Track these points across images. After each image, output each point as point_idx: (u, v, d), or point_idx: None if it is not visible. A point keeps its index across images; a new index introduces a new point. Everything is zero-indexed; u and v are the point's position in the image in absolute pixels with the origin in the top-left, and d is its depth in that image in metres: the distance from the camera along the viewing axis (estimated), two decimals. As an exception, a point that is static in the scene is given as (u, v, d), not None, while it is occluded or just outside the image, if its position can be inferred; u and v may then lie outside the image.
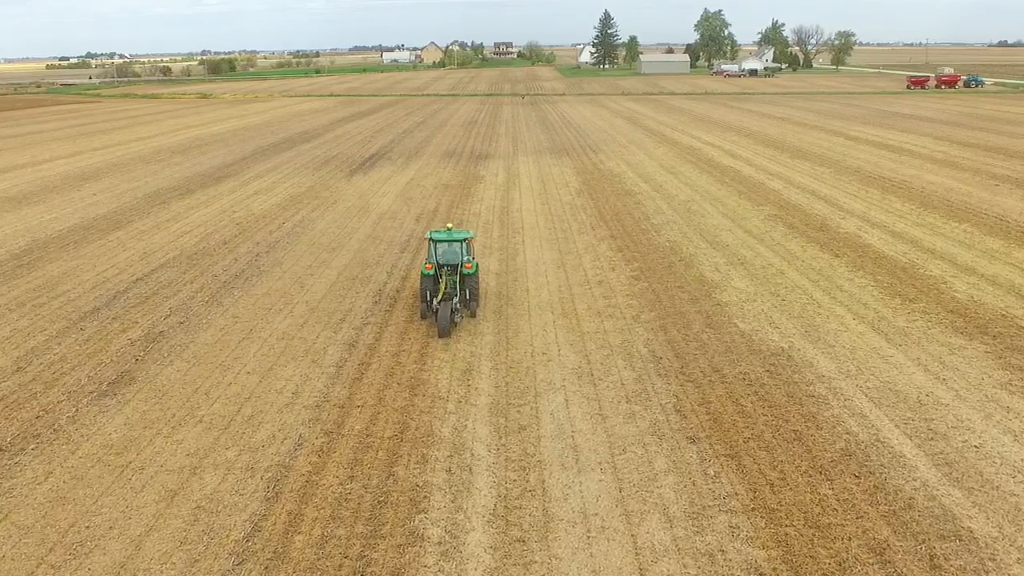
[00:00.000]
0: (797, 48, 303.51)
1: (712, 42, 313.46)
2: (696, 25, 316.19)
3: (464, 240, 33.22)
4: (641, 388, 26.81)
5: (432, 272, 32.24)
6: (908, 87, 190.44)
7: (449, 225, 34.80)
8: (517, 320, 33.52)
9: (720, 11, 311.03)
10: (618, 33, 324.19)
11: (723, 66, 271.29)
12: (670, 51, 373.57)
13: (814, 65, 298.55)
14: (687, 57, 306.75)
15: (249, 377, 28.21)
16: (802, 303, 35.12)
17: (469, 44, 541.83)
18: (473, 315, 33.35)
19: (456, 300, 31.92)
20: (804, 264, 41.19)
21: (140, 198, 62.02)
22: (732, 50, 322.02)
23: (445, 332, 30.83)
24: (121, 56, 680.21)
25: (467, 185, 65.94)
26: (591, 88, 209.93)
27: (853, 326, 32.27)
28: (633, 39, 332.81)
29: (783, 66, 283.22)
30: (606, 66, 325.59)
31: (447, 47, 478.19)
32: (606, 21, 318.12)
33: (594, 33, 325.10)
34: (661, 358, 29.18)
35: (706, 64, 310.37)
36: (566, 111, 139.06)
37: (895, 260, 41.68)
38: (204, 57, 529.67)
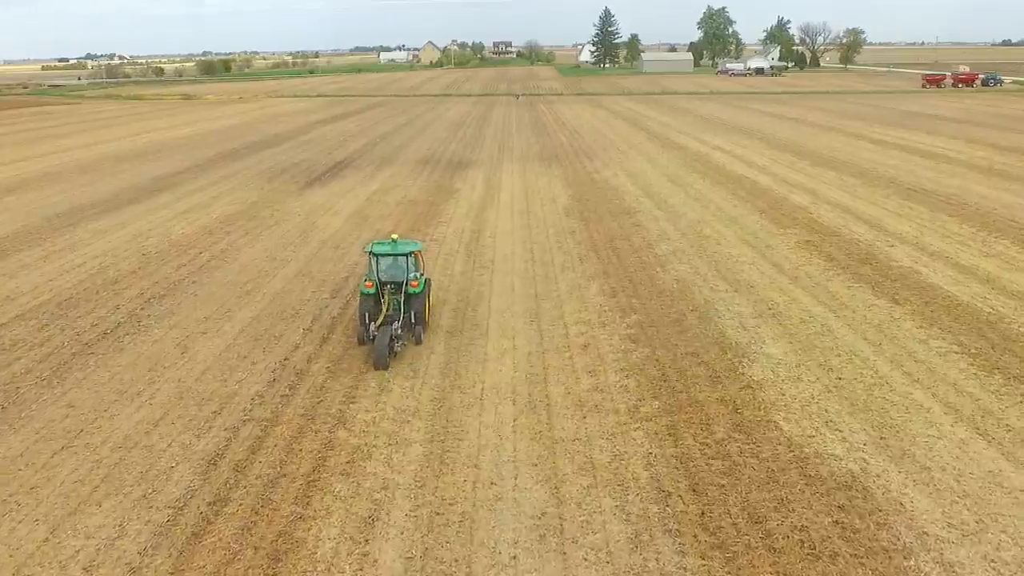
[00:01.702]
0: (804, 46, 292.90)
1: (716, 40, 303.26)
2: (699, 23, 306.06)
3: (410, 253, 29.22)
4: (641, 563, 16.59)
5: (373, 291, 28.50)
6: (924, 86, 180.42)
7: (394, 236, 30.06)
8: (463, 415, 23.39)
9: (724, 8, 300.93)
10: (619, 31, 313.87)
11: (728, 65, 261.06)
12: (673, 50, 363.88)
13: (821, 64, 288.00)
14: (690, 56, 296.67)
15: (33, 529, 18.04)
16: (866, 384, 24.94)
17: (469, 44, 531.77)
18: (418, 342, 28.68)
19: (397, 325, 27.59)
20: (856, 316, 31.00)
21: (48, 218, 52.00)
22: (737, 48, 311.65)
23: (381, 363, 26.43)
24: (121, 57, 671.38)
25: (437, 201, 55.79)
26: (590, 87, 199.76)
27: (948, 428, 22.09)
28: (634, 37, 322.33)
29: (789, 64, 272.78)
30: (607, 65, 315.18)
31: (445, 47, 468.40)
32: (606, 19, 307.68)
33: (594, 32, 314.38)
34: (670, 495, 19.05)
35: (710, 63, 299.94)
36: (562, 112, 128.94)
37: (974, 309, 31.52)
38: (200, 58, 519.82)
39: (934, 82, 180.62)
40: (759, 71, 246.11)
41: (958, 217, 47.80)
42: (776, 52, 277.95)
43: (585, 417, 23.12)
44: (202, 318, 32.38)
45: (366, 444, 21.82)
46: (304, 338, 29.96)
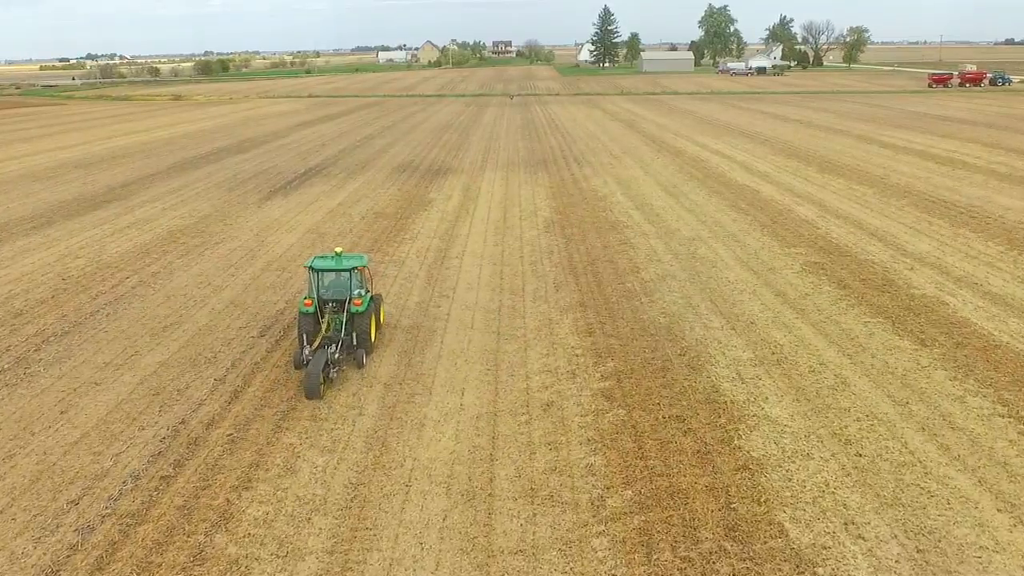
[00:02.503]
0: (807, 45, 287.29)
1: (717, 39, 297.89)
2: (700, 21, 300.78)
3: (352, 269, 26.86)
4: None
5: (312, 310, 26.26)
6: (930, 85, 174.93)
7: (337, 249, 27.91)
8: (380, 509, 18.37)
9: (726, 7, 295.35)
10: (619, 30, 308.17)
11: (729, 64, 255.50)
12: (673, 49, 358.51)
13: (824, 63, 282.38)
14: (691, 55, 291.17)
15: None
16: (893, 462, 19.86)
17: (470, 43, 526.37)
18: (360, 366, 26.23)
19: (335, 349, 25.23)
20: (876, 363, 25.84)
21: (-25, 234, 46.80)
22: (738, 47, 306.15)
23: (312, 392, 23.83)
24: (122, 57, 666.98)
25: (407, 214, 50.64)
26: (588, 87, 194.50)
27: (1005, 534, 16.97)
28: (634, 36, 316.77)
29: (792, 64, 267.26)
30: (606, 65, 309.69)
31: (444, 46, 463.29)
32: (605, 17, 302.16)
33: (593, 31, 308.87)
34: (637, 650, 13.75)
35: (711, 62, 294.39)
36: (556, 113, 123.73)
37: (1015, 353, 26.37)
38: (202, 58, 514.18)
39: (940, 81, 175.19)
40: (761, 70, 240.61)
41: (983, 233, 42.65)
42: (778, 51, 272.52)
43: (535, 515, 17.97)
44: (101, 364, 27.29)
45: (246, 556, 16.70)
46: (212, 393, 24.83)
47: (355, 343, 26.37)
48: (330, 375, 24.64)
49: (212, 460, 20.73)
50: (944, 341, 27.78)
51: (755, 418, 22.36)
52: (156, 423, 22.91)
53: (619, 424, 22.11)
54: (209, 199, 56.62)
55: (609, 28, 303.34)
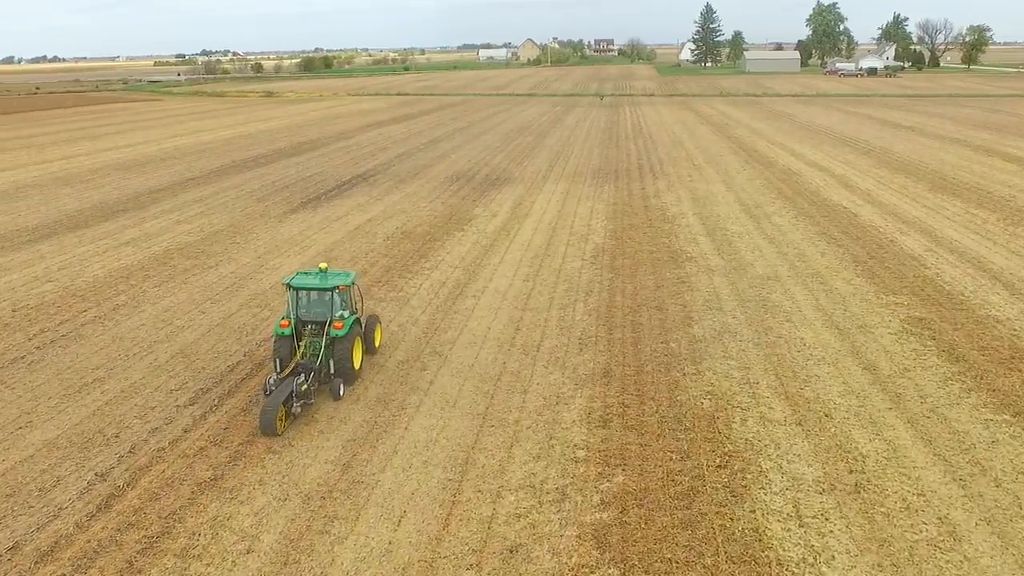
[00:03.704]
0: (922, 45, 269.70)
1: (826, 38, 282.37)
2: (808, 20, 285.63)
3: (334, 288, 23.87)
4: None
5: (288, 332, 23.50)
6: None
7: (322, 265, 25.43)
8: None
9: (835, 4, 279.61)
10: (721, 28, 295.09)
11: (838, 64, 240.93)
12: (779, 48, 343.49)
13: (941, 64, 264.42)
14: (797, 55, 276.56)
15: None
16: None
17: (572, 42, 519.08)
18: (336, 397, 23.24)
19: (303, 379, 21.89)
20: (1002, 496, 17.97)
21: (-36, 246, 42.29)
22: (848, 47, 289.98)
23: (267, 428, 20.78)
24: (235, 53, 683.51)
25: (439, 235, 44.01)
26: (686, 88, 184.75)
27: None
28: (738, 35, 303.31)
29: (906, 64, 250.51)
30: (707, 64, 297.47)
31: (545, 44, 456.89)
32: (707, 15, 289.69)
33: (694, 29, 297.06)
34: None
35: (818, 63, 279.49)
36: (645, 116, 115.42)
37: None
38: (310, 54, 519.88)
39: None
40: (872, 71, 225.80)
41: None
42: (891, 51, 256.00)
43: None
44: (-25, 439, 21.25)
45: None
46: (85, 493, 18.50)
47: (332, 371, 23.58)
48: (293, 409, 21.62)
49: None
50: (1103, 461, 19.43)
51: (813, 599, 14.71)
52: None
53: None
54: (231, 211, 51.12)
55: (711, 26, 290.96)
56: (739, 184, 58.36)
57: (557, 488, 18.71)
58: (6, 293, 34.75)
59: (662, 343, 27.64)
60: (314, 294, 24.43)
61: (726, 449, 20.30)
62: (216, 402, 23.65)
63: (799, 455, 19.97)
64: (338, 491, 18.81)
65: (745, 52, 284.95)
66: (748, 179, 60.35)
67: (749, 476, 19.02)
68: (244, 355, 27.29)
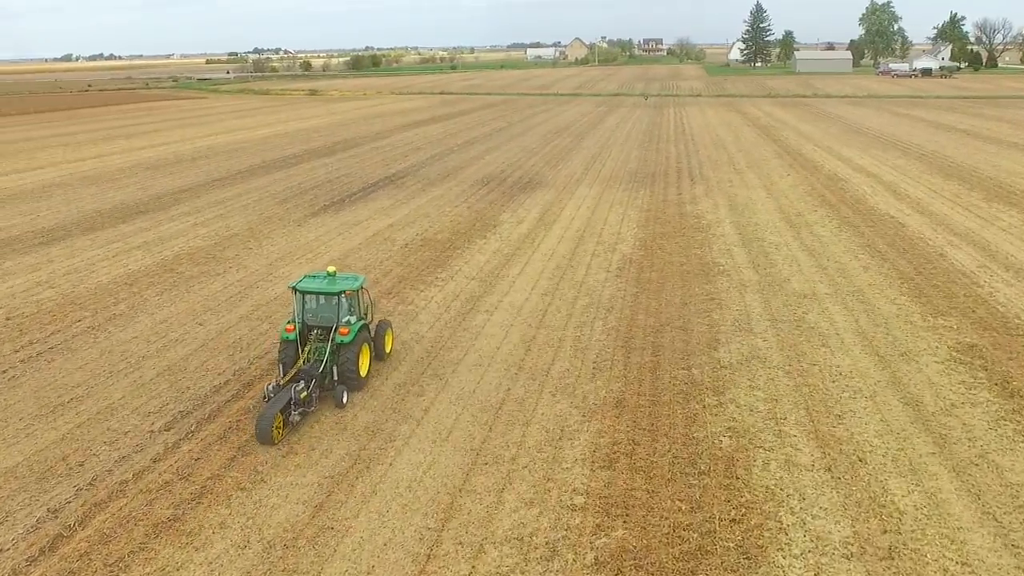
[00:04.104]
0: (980, 45, 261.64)
1: (879, 38, 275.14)
2: (861, 19, 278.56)
3: (342, 293, 23.11)
4: None
5: (293, 336, 22.98)
6: None
7: (331, 268, 24.24)
8: None
9: (889, 3, 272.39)
10: (771, 28, 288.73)
11: (891, 64, 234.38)
12: (830, 48, 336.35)
13: (999, 64, 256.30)
14: (849, 55, 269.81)
15: None
16: None
17: (621, 41, 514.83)
18: (339, 404, 22.35)
19: (302, 386, 21.21)
20: (1062, 569, 15.29)
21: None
22: (902, 47, 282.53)
23: (263, 436, 20.08)
24: (286, 52, 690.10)
25: (460, 242, 42.13)
26: (733, 88, 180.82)
27: None
28: (788, 35, 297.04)
29: (962, 65, 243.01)
30: (757, 64, 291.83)
31: (592, 43, 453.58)
32: (757, 15, 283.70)
33: (744, 28, 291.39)
34: None
35: (871, 63, 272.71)
36: (690, 116, 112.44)
37: None
38: (362, 53, 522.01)
39: None
40: (926, 72, 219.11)
41: None
42: (947, 51, 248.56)
43: None
44: (-71, 467, 19.72)
45: None
46: (32, 532, 16.86)
47: (336, 378, 22.81)
48: (291, 418, 20.93)
49: None
50: None
51: None
52: None
53: None
54: (251, 213, 49.72)
55: (761, 26, 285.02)
56: (781, 190, 55.62)
57: (547, 543, 16.60)
58: (5, 300, 33.55)
59: (683, 369, 25.35)
60: (320, 298, 23.79)
61: (743, 499, 18.02)
62: (193, 428, 21.93)
63: (826, 509, 17.62)
64: (304, 539, 16.90)
65: (795, 52, 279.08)
66: (791, 185, 57.56)
67: (767, 534, 16.72)
68: (233, 374, 25.59)
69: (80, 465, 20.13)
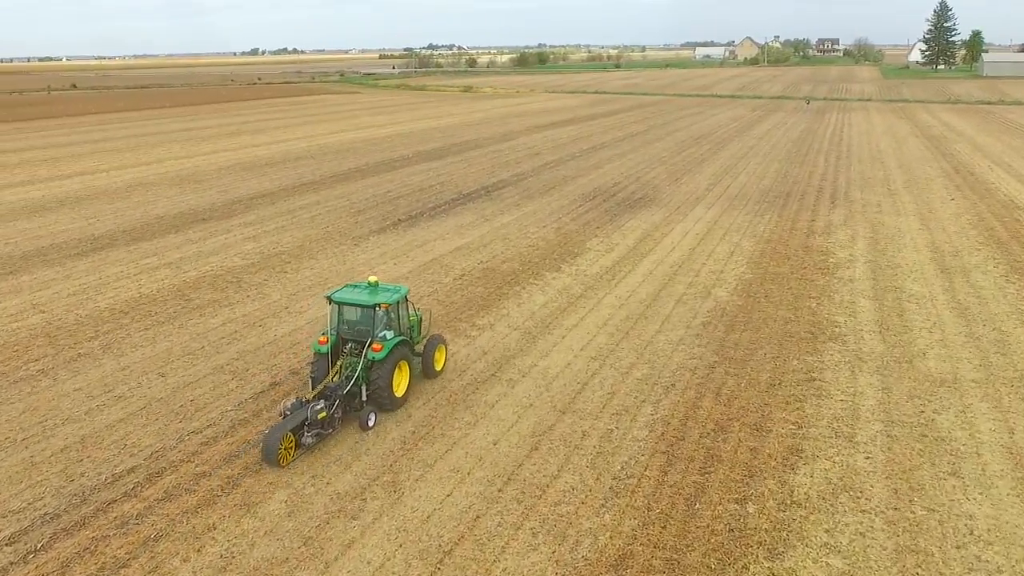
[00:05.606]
0: None
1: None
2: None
3: (377, 305, 21.58)
4: None
5: (326, 349, 21.61)
6: None
7: (372, 279, 22.89)
8: None
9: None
10: (957, 28, 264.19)
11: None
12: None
13: None
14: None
15: None
16: None
17: (796, 40, 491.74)
18: (364, 427, 20.75)
19: (322, 406, 19.73)
20: None
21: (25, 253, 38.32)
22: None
23: (269, 456, 18.76)
24: (459, 48, 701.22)
25: (528, 275, 35.66)
26: (909, 93, 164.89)
27: None
28: (976, 35, 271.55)
29: None
30: (939, 67, 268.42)
31: (764, 43, 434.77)
32: (941, 13, 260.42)
33: (926, 27, 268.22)
34: None
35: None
36: (852, 124, 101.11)
37: None
38: (534, 50, 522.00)
39: None
40: None
41: None
42: None
43: None
44: None
45: None
46: None
47: (364, 398, 21.27)
48: (303, 439, 19.47)
49: None
50: None
51: None
52: None
53: None
54: (314, 226, 44.94)
55: (945, 25, 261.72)
56: (940, 220, 45.98)
57: None
58: (32, 308, 29.76)
59: (736, 503, 17.85)
60: (356, 310, 22.22)
61: None
62: (80, 523, 16.24)
63: None
64: None
65: (984, 54, 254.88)
66: (953, 213, 47.69)
67: None
68: (148, 456, 20.16)
69: None
